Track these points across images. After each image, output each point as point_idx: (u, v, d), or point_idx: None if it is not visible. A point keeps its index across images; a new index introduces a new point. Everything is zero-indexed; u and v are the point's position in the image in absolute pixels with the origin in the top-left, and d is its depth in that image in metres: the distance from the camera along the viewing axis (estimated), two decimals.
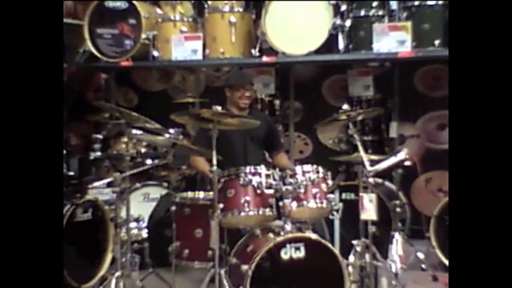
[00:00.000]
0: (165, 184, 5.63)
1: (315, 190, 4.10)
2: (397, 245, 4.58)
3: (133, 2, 5.78)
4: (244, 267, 3.77)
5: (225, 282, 3.85)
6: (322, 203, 4.10)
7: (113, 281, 4.11)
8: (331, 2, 5.22)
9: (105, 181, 4.80)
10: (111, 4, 5.86)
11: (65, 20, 5.82)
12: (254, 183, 3.98)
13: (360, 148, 4.17)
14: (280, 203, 4.01)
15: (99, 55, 5.90)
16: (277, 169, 4.26)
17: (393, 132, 5.85)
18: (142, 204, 5.45)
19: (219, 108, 4.02)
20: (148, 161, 5.33)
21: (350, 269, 4.08)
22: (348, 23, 5.27)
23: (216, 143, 3.88)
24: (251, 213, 3.94)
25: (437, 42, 4.95)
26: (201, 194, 4.42)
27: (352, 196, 5.01)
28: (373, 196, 3.97)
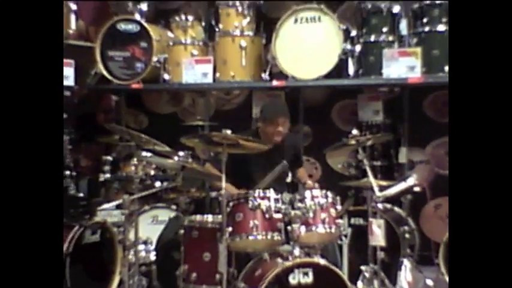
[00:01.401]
0: (174, 207, 5.62)
1: (323, 215, 4.10)
2: (406, 271, 4.55)
3: (145, 25, 5.83)
4: None
5: None
6: (330, 228, 4.10)
7: None
8: (342, 27, 5.25)
9: (114, 203, 4.81)
10: (123, 27, 5.92)
11: (76, 42, 5.92)
12: (263, 207, 3.98)
13: (369, 173, 4.17)
14: (289, 228, 4.00)
15: (110, 77, 5.95)
16: (286, 195, 4.25)
17: (402, 158, 5.84)
18: (150, 226, 5.43)
19: (228, 131, 4.02)
20: (158, 184, 5.32)
21: None
22: (358, 48, 5.30)
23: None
24: (259, 237, 3.94)
25: (447, 68, 4.96)
26: (209, 218, 4.40)
27: (361, 221, 4.98)
28: (382, 222, 3.96)
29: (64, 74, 5.27)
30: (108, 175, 5.65)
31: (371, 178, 4.13)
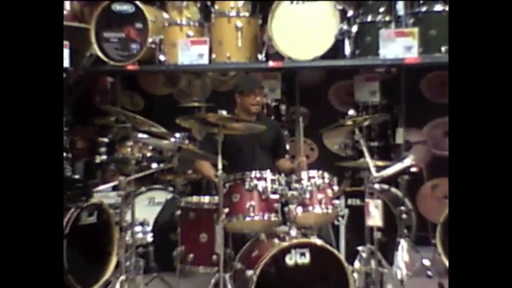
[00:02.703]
0: (171, 188, 5.63)
1: (320, 196, 4.09)
2: (403, 252, 4.56)
3: (140, 6, 5.78)
4: (249, 272, 3.75)
5: (229, 287, 3.84)
6: (327, 208, 4.09)
7: (117, 285, 4.10)
8: (338, 7, 5.22)
9: (111, 185, 4.81)
10: (118, 8, 5.86)
11: (71, 24, 5.86)
12: (259, 188, 3.97)
13: (366, 154, 4.15)
14: (286, 208, 4.00)
15: (105, 59, 5.90)
16: (282, 174, 4.26)
17: (399, 138, 5.83)
18: (147, 208, 5.44)
19: (224, 112, 4.01)
20: (154, 165, 5.33)
21: (355, 275, 4.05)
22: (355, 28, 5.27)
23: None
24: (256, 218, 3.93)
25: (444, 48, 4.94)
26: (206, 199, 4.41)
27: (358, 202, 4.99)
28: (379, 202, 3.95)
29: None
30: (104, 157, 5.66)
31: (368, 159, 4.12)
